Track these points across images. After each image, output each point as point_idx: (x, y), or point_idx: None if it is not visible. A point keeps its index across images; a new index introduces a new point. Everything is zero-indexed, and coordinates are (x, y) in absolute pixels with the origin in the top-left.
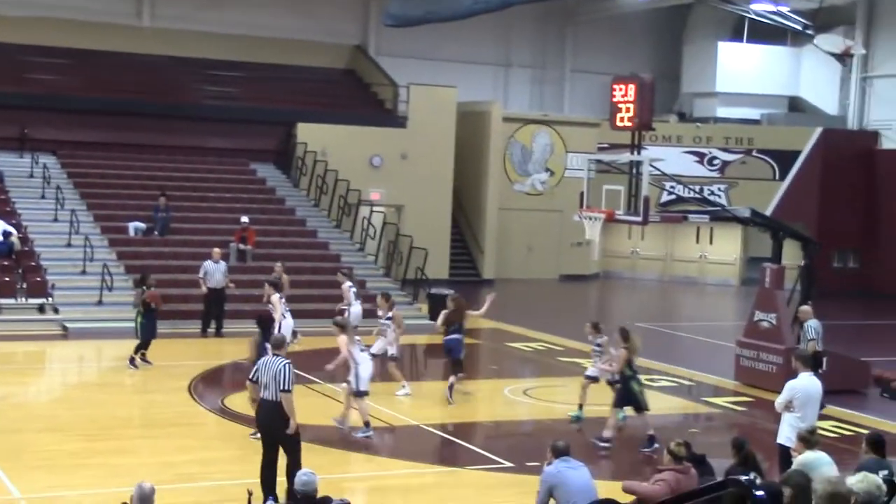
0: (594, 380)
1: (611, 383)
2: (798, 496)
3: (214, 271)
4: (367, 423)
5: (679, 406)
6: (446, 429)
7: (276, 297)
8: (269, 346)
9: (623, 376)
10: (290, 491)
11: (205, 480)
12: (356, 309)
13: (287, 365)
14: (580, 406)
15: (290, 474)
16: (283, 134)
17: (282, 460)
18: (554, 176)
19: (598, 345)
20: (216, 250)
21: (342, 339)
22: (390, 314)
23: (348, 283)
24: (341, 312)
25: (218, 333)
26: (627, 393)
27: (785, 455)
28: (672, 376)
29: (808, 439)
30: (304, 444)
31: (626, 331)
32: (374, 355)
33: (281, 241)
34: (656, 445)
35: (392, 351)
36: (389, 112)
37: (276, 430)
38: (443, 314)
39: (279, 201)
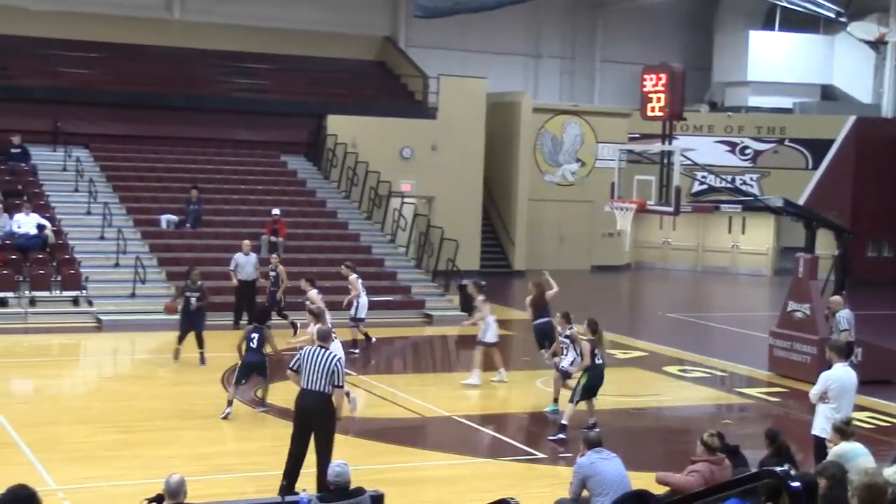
0: (567, 374)
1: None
2: (834, 487)
3: (245, 263)
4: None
5: (712, 397)
6: (479, 420)
7: (353, 277)
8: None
9: (584, 368)
10: (321, 481)
11: (238, 472)
12: (364, 300)
13: (341, 360)
14: (555, 399)
15: (323, 466)
16: (314, 126)
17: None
18: (584, 166)
19: (567, 336)
20: (246, 242)
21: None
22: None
23: (354, 276)
24: (350, 304)
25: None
26: (584, 383)
27: (820, 446)
28: (705, 367)
29: (844, 430)
30: (339, 436)
31: (594, 322)
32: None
33: (312, 234)
34: (561, 436)
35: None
36: (419, 103)
37: (316, 421)
38: (528, 299)
39: (310, 193)
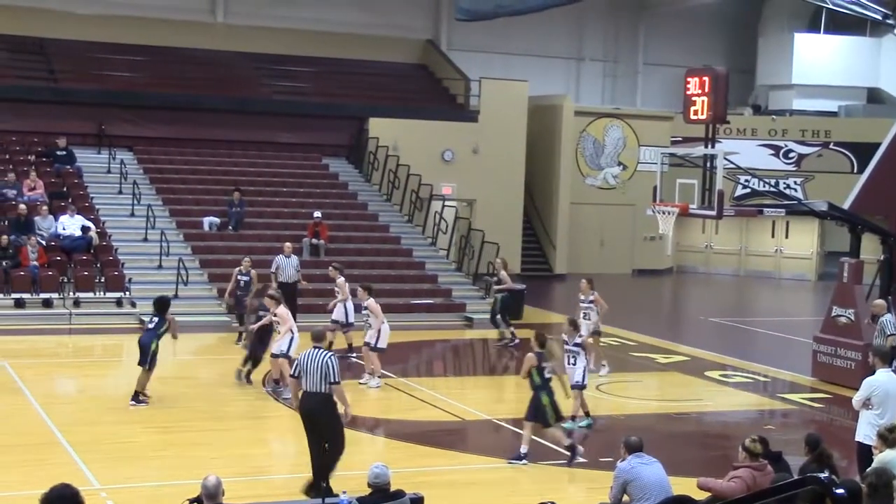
0: (581, 387)
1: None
2: (879, 494)
3: (286, 266)
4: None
5: (754, 402)
6: (519, 423)
7: (341, 280)
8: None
9: (532, 385)
10: (315, 482)
11: (277, 473)
12: (351, 305)
13: (332, 357)
14: (586, 414)
15: (330, 463)
16: (355, 129)
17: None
18: (626, 170)
19: (577, 345)
20: (287, 245)
21: (282, 311)
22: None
23: (342, 279)
24: (334, 308)
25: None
26: (535, 404)
27: (864, 453)
28: (747, 372)
29: (888, 437)
30: (379, 439)
31: (542, 336)
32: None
33: (353, 236)
34: (524, 462)
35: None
36: (461, 106)
37: (321, 421)
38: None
39: (351, 196)
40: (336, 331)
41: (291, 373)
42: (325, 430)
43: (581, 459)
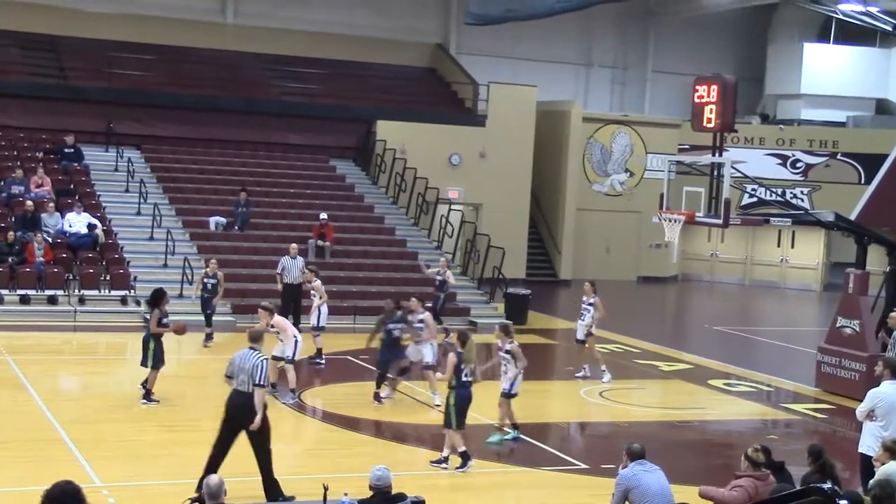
0: (509, 395)
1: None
2: None
3: (292, 267)
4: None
5: (758, 412)
6: (521, 429)
7: (317, 283)
8: None
9: (449, 385)
10: (268, 486)
11: (279, 474)
12: (325, 308)
13: (264, 360)
14: (514, 426)
15: (264, 469)
16: (363, 131)
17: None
18: (633, 177)
19: (507, 352)
20: (293, 246)
21: (279, 321)
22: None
23: (319, 281)
24: (308, 309)
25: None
26: (447, 406)
27: (867, 464)
28: (751, 381)
29: (892, 448)
30: (382, 441)
31: (464, 335)
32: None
33: (359, 238)
34: (445, 466)
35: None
36: (469, 110)
37: (244, 422)
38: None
39: (358, 198)
40: (318, 337)
41: (226, 373)
42: (246, 431)
43: (469, 469)
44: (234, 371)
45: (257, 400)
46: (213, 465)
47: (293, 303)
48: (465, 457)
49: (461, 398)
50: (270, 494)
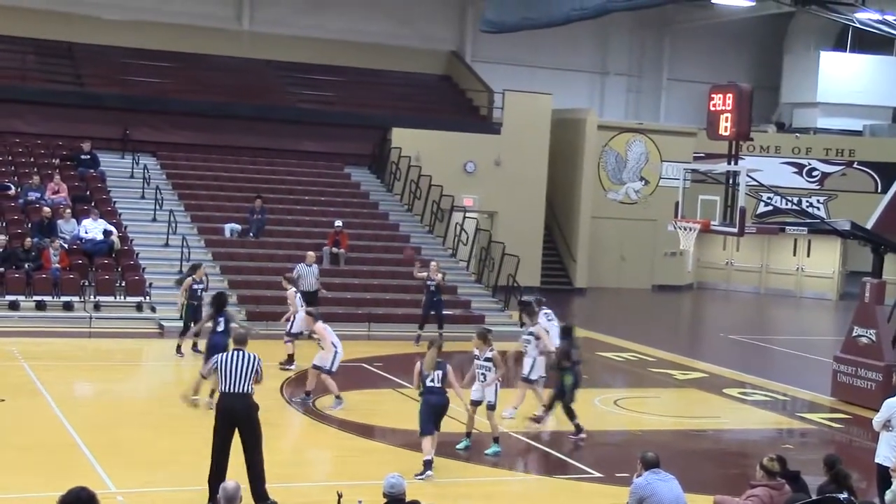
0: (491, 406)
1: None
2: None
3: (307, 274)
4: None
5: (773, 421)
6: (535, 437)
7: (291, 291)
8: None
9: (419, 392)
10: (257, 490)
11: (293, 481)
12: (302, 315)
13: (259, 360)
14: (494, 440)
15: (256, 475)
16: (378, 138)
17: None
18: (648, 185)
19: (488, 359)
20: (310, 254)
21: (320, 328)
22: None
23: (293, 290)
24: (287, 320)
25: (310, 336)
26: (421, 410)
27: (883, 475)
28: (766, 391)
29: None
30: (395, 449)
31: (434, 342)
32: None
33: (373, 246)
34: (429, 472)
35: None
36: (484, 118)
37: (248, 423)
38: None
39: (373, 205)
40: (291, 343)
41: (202, 372)
42: (246, 432)
43: (427, 478)
44: (227, 374)
45: (203, 372)
46: (220, 471)
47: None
48: (426, 465)
49: (424, 403)
50: (261, 497)
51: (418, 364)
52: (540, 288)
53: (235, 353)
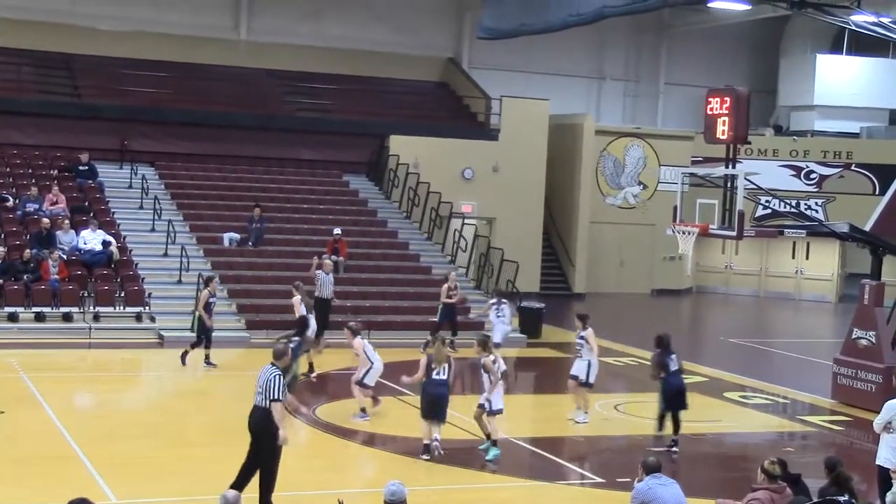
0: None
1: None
2: None
3: (326, 282)
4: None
5: (774, 424)
6: (536, 443)
7: (296, 298)
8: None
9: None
10: (260, 500)
11: (294, 490)
12: (312, 324)
13: (278, 376)
14: (491, 440)
15: (264, 484)
16: (376, 146)
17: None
18: (646, 189)
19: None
20: (328, 262)
21: (357, 343)
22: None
23: (298, 297)
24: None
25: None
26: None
27: (884, 477)
28: (767, 394)
29: None
30: (394, 456)
31: (435, 338)
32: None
33: (372, 253)
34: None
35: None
36: (482, 124)
37: (261, 438)
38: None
39: (371, 213)
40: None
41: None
42: (260, 446)
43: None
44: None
45: (276, 415)
46: (238, 479)
47: (322, 317)
48: (424, 448)
49: (424, 394)
50: None
51: (425, 357)
52: (539, 293)
53: (268, 366)
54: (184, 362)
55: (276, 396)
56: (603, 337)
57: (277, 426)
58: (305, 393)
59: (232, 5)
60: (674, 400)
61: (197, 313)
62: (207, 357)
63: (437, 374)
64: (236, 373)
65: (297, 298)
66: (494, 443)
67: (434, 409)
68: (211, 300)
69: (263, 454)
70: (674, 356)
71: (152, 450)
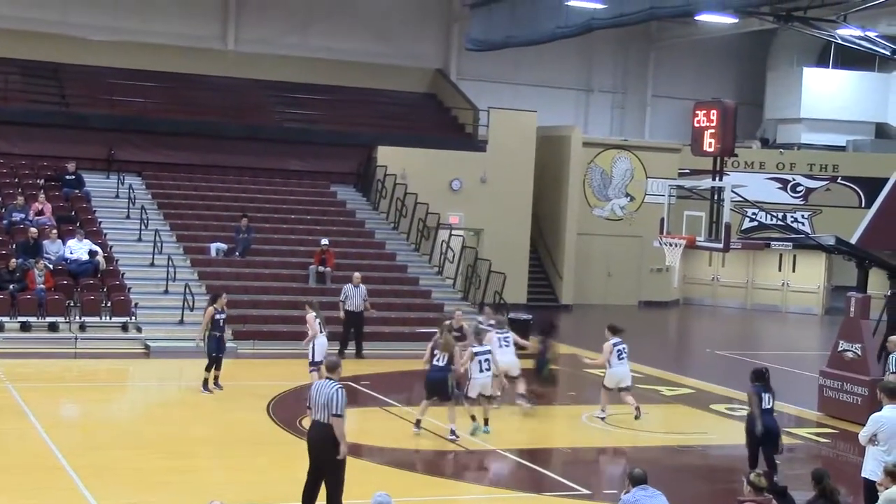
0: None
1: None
2: None
3: (355, 295)
4: None
5: None
6: (523, 454)
7: (310, 315)
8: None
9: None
10: None
11: (280, 501)
12: (322, 341)
13: (340, 390)
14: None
15: (331, 500)
16: (364, 157)
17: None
18: (634, 201)
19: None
20: (357, 275)
21: (310, 317)
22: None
23: (313, 314)
24: (309, 342)
25: (358, 355)
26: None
27: (870, 489)
28: None
29: (895, 473)
30: (382, 467)
31: (443, 327)
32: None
33: (360, 264)
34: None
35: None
36: (469, 136)
37: (323, 453)
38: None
39: (359, 224)
40: (316, 371)
41: (308, 405)
42: (324, 462)
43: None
44: (312, 403)
45: (337, 431)
46: (305, 497)
47: (355, 330)
48: (417, 423)
49: (425, 378)
50: None
51: (432, 343)
52: (527, 305)
53: (324, 381)
54: (206, 389)
55: (337, 412)
56: (589, 348)
57: (339, 441)
58: (284, 407)
59: (220, 16)
60: (763, 440)
61: (206, 333)
62: (216, 379)
63: (438, 360)
64: (223, 383)
65: (311, 315)
66: (486, 421)
67: (432, 390)
68: (217, 316)
69: (328, 467)
70: (768, 394)
71: (138, 460)
